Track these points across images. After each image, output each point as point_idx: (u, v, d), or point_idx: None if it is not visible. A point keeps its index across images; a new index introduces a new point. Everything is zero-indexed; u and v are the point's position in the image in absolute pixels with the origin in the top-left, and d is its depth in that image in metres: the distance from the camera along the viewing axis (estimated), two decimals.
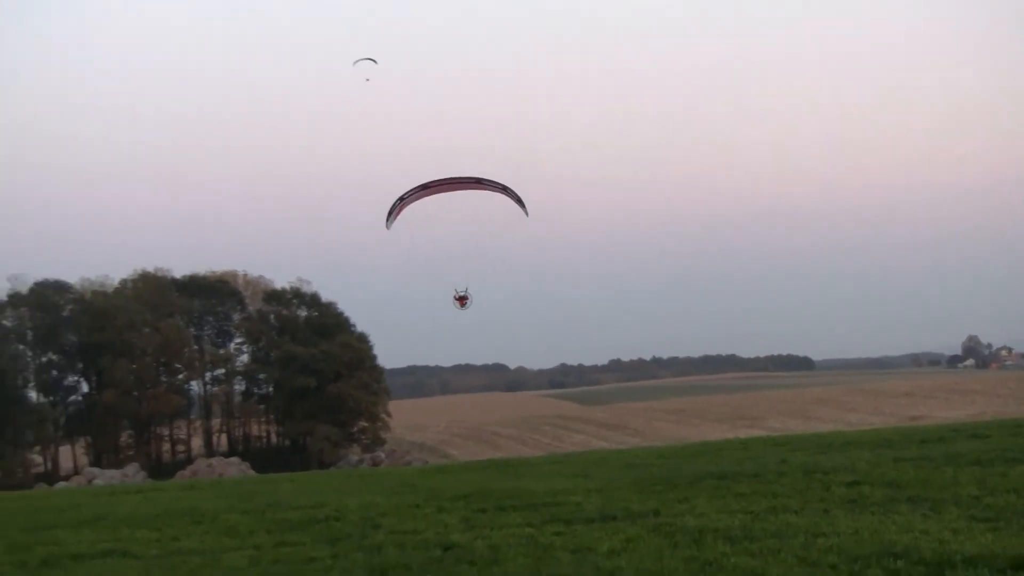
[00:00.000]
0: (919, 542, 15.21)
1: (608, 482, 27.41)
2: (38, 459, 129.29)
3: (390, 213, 32.96)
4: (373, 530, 20.12)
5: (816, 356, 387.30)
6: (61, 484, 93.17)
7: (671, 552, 15.77)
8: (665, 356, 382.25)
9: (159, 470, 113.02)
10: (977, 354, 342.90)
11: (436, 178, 33.18)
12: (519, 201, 33.71)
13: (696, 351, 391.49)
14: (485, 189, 33.51)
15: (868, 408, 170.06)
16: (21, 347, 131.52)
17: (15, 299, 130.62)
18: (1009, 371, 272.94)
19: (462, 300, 33.29)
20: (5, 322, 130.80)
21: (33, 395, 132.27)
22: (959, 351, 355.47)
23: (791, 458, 30.96)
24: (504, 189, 33.80)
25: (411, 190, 32.66)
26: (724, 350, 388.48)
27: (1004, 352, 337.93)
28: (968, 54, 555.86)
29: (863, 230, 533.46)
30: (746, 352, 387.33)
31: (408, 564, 15.70)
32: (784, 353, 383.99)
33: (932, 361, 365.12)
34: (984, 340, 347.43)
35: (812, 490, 22.89)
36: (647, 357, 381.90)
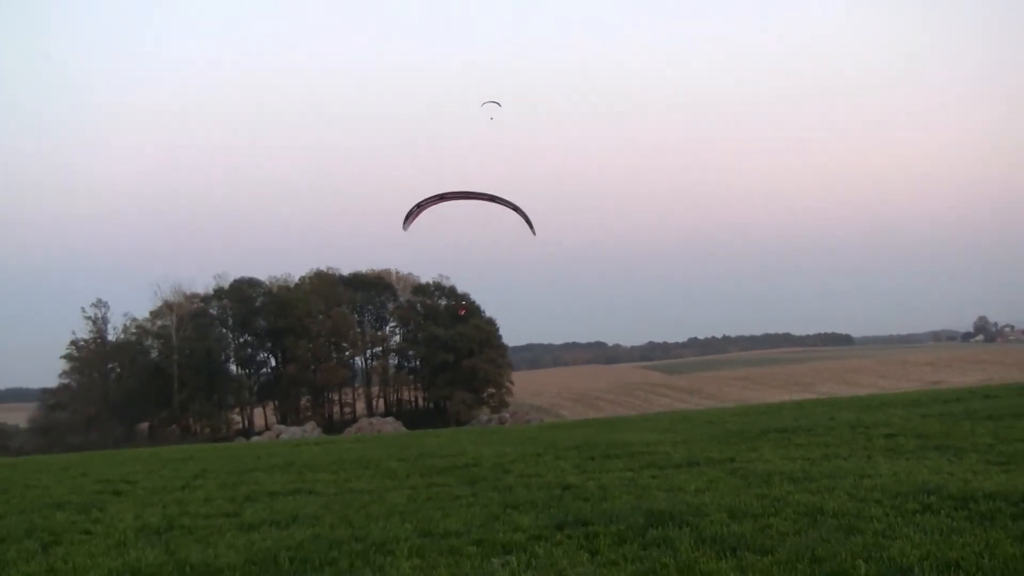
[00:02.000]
0: (947, 481, 15.04)
1: (691, 435, 27.23)
2: (237, 418, 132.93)
3: (408, 216, 30.86)
4: (504, 474, 20.13)
5: (855, 333, 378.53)
6: (255, 438, 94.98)
7: (746, 490, 15.63)
8: (733, 334, 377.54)
9: (331, 427, 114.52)
10: (986, 331, 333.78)
11: (454, 190, 31.08)
12: (528, 221, 31.45)
13: (758, 330, 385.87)
14: (496, 204, 31.22)
15: (898, 375, 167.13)
16: (224, 330, 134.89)
17: (219, 293, 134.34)
18: (1012, 345, 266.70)
19: (460, 308, 32.63)
20: (211, 311, 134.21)
21: (233, 368, 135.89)
22: (971, 329, 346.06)
23: (838, 415, 30.59)
24: (516, 208, 31.43)
25: (429, 198, 30.68)
26: (780, 329, 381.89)
27: (1008, 329, 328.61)
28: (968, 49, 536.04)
29: (893, 228, 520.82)
30: (798, 331, 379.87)
31: (534, 501, 15.68)
32: (829, 331, 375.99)
33: (949, 337, 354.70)
34: (991, 320, 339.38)
35: (857, 441, 22.69)
36: (718, 335, 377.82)
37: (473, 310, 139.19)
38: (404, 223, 31.17)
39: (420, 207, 30.83)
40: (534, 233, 32.20)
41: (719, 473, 18.24)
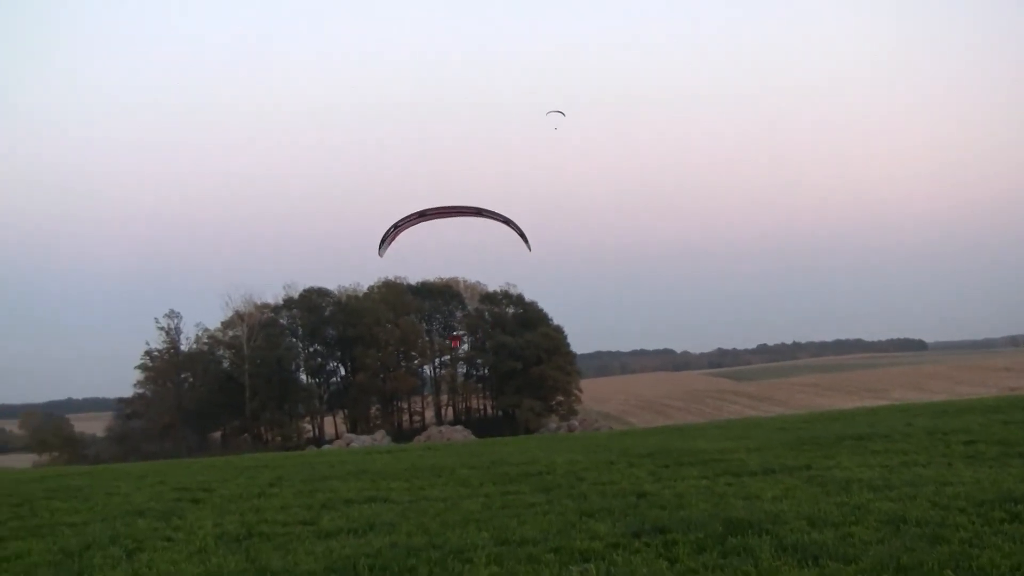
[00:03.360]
0: None
1: (764, 443, 26.95)
2: (308, 427, 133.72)
3: (383, 241, 28.98)
4: (578, 481, 20.07)
5: (928, 339, 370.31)
6: (326, 446, 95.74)
7: (824, 498, 15.51)
8: (803, 340, 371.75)
9: (400, 435, 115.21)
10: None
11: (435, 206, 28.94)
12: (521, 235, 29.79)
13: (828, 336, 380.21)
14: (486, 218, 29.41)
15: (974, 381, 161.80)
16: (294, 340, 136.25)
17: (289, 303, 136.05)
18: None
19: (455, 340, 31.12)
20: (281, 320, 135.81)
21: (304, 377, 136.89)
22: None
23: (915, 422, 30.13)
24: (506, 221, 29.62)
25: (406, 217, 28.75)
26: (851, 335, 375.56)
27: None
28: None
29: (968, 229, 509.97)
30: (869, 336, 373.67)
31: (610, 508, 15.64)
32: (901, 337, 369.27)
33: None
34: None
35: (935, 448, 22.33)
36: (788, 341, 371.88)
37: (541, 318, 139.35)
38: (380, 248, 29.41)
39: (397, 228, 29.09)
40: (529, 248, 30.54)
41: (796, 481, 18.10)
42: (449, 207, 29.55)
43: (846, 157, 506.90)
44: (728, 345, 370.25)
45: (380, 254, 29.50)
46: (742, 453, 23.96)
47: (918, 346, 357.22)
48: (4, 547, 15.51)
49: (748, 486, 17.71)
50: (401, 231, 29.21)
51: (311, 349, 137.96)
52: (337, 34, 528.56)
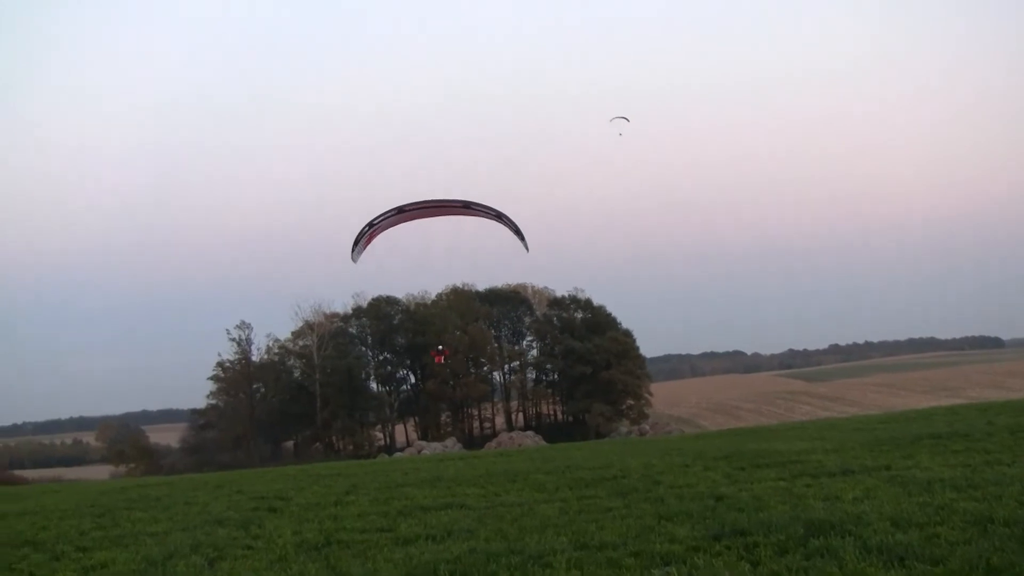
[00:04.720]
0: None
1: (841, 443, 26.69)
2: (379, 435, 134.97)
3: (356, 243, 26.40)
4: (654, 485, 20.00)
5: (1005, 336, 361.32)
6: (398, 454, 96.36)
7: (906, 499, 15.34)
8: (875, 340, 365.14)
9: (471, 442, 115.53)
10: None
11: (415, 200, 26.41)
12: (517, 232, 27.47)
13: (901, 335, 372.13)
14: (475, 215, 26.97)
15: None
16: (364, 348, 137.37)
17: (358, 312, 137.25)
18: None
19: (438, 356, 30.10)
20: (351, 329, 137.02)
21: (374, 386, 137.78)
22: None
23: (996, 420, 29.61)
24: (499, 216, 27.14)
25: (383, 214, 26.23)
26: (924, 333, 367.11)
27: None
28: None
29: None
30: (943, 334, 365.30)
31: (688, 512, 15.57)
32: (976, 334, 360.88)
33: None
34: None
35: (1020, 446, 22.03)
36: (860, 341, 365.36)
37: (609, 322, 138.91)
38: (353, 253, 26.91)
39: (373, 227, 26.60)
40: (527, 249, 28.33)
41: (876, 481, 17.92)
42: (432, 202, 27.32)
43: (915, 154, 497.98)
44: (799, 346, 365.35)
45: (354, 259, 27.35)
46: (819, 454, 23.78)
47: (994, 343, 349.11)
48: (90, 556, 15.88)
49: (827, 487, 17.57)
50: (377, 231, 27.08)
51: (381, 357, 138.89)
52: (406, 37, 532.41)
